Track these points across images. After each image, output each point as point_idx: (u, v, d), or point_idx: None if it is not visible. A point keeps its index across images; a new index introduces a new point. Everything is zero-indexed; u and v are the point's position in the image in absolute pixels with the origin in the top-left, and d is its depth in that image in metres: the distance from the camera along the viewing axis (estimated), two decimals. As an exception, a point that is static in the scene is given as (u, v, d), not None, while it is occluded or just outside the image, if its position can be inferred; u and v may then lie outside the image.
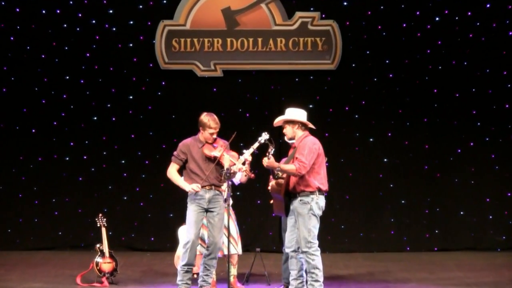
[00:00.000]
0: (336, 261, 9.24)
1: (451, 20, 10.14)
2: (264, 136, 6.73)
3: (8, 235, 10.18)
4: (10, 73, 10.21)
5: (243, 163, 6.68)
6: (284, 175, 6.49)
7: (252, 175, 6.80)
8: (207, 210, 6.72)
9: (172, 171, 6.79)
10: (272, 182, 6.72)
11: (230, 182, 6.74)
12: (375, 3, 10.13)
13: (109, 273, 7.56)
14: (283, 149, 9.21)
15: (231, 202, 7.20)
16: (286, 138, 6.60)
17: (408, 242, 10.21)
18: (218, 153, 6.63)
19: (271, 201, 7.50)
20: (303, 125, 6.50)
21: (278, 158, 7.03)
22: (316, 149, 6.37)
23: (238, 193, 7.41)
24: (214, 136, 6.73)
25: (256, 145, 6.69)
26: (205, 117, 6.72)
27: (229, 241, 6.76)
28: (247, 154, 6.70)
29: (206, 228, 6.86)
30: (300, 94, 10.14)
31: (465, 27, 10.15)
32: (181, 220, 7.13)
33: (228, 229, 6.77)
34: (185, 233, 6.84)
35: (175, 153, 6.80)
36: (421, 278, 8.04)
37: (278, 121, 6.64)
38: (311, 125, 6.56)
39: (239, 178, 7.11)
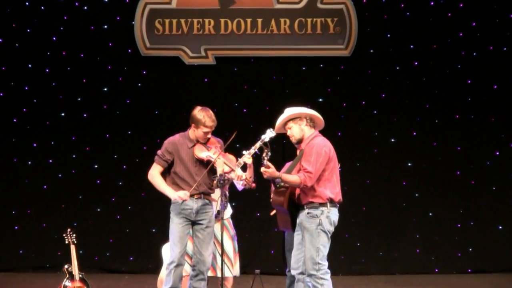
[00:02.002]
0: (351, 285, 9.24)
1: (488, -2, 10.17)
2: (269, 134, 6.68)
3: (-41, 254, 10.17)
4: (-39, 60, 10.22)
5: (243, 168, 6.64)
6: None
7: (253, 184, 6.77)
8: (194, 223, 6.69)
9: (155, 174, 6.74)
10: (273, 192, 6.68)
11: (228, 189, 6.72)
12: (397, -23, 10.17)
13: (80, 300, 7.54)
14: (286, 152, 9.21)
15: (231, 211, 7.18)
16: (293, 141, 6.52)
17: (437, 263, 10.19)
18: (213, 156, 6.59)
19: (272, 213, 7.48)
20: (312, 120, 6.44)
21: (280, 163, 7.00)
22: (326, 153, 6.32)
23: (233, 204, 7.37)
24: (209, 136, 6.69)
25: (258, 144, 6.65)
26: (199, 113, 6.66)
27: (222, 261, 6.72)
28: (247, 157, 6.66)
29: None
30: (307, 86, 10.13)
31: (504, 6, 10.13)
32: (166, 236, 7.08)
33: (221, 246, 6.73)
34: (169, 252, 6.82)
35: (159, 152, 6.76)
36: (452, 306, 8.05)
37: (280, 123, 6.54)
38: (320, 118, 6.47)
39: (242, 183, 7.07)
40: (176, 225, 6.65)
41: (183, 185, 6.63)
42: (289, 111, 6.48)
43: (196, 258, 6.66)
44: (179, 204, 6.63)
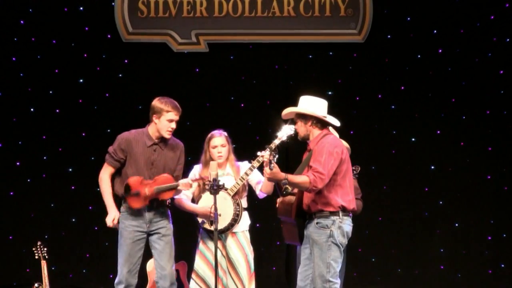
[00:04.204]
0: (365, 307, 9.25)
1: (524, -26, 10.17)
2: (287, 131, 6.70)
3: None
4: None
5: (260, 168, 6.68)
6: (295, 190, 6.45)
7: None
8: (149, 234, 6.73)
9: (103, 178, 6.83)
10: (279, 199, 6.69)
11: (245, 196, 6.79)
12: (418, -50, 10.17)
13: (51, 324, 7.54)
14: (290, 152, 9.20)
15: (248, 222, 7.19)
16: (298, 138, 6.58)
17: (464, 281, 10.19)
18: None
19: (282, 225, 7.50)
20: (319, 122, 6.46)
21: (284, 164, 6.98)
22: (338, 154, 6.33)
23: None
24: (174, 126, 6.70)
25: (277, 142, 6.69)
26: (159, 101, 6.82)
27: (216, 274, 6.65)
28: (259, 160, 6.67)
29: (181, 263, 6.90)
30: (315, 77, 10.12)
31: (543, -16, 10.16)
32: (150, 251, 7.09)
33: (215, 260, 6.67)
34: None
35: (110, 149, 6.82)
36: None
37: (287, 112, 6.59)
38: (332, 122, 6.51)
39: (256, 181, 7.10)
40: (125, 240, 6.71)
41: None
42: (301, 104, 6.50)
43: (158, 273, 6.71)
44: (128, 213, 6.68)
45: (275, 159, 6.22)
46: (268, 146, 6.62)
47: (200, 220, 7.13)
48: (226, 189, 6.99)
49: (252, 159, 6.89)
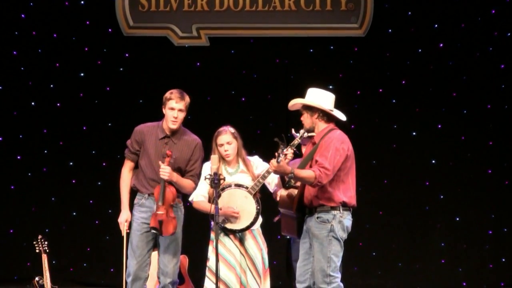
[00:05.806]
0: (366, 301, 9.26)
1: (525, -32, 10.15)
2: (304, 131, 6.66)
3: None
4: None
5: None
6: (298, 183, 6.45)
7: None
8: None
9: (123, 176, 6.81)
10: (282, 192, 6.68)
11: (259, 195, 6.75)
12: None
13: (52, 318, 7.55)
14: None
15: (261, 220, 7.14)
16: (303, 129, 6.55)
17: (465, 275, 10.20)
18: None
19: (275, 219, 7.45)
20: (325, 115, 6.46)
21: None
22: (344, 150, 6.32)
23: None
24: (175, 114, 6.66)
25: (296, 142, 6.63)
26: (168, 91, 6.78)
27: (217, 268, 6.62)
28: (290, 151, 6.60)
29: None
30: (316, 71, 10.11)
31: (544, -22, 10.15)
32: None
33: (216, 253, 6.64)
34: (155, 262, 6.87)
35: (128, 142, 6.81)
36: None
37: (293, 103, 6.56)
38: (338, 116, 6.51)
39: (275, 183, 7.05)
40: (134, 232, 6.70)
41: (146, 183, 6.66)
42: (309, 96, 6.50)
43: (160, 269, 6.71)
44: (139, 205, 6.68)
45: (284, 151, 6.19)
46: (290, 144, 6.58)
47: (221, 219, 6.94)
48: (246, 188, 6.93)
49: (270, 157, 6.78)
